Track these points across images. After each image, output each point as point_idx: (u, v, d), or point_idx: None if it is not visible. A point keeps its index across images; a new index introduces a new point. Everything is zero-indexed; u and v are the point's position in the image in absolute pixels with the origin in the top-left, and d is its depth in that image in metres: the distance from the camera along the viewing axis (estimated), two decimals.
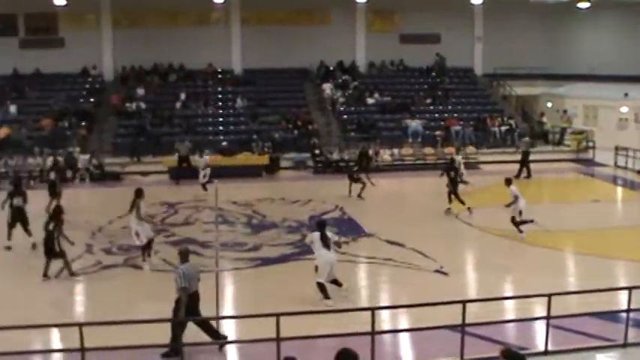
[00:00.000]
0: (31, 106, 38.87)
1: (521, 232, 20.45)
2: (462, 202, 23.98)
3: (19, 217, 20.08)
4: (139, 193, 18.45)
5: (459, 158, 27.90)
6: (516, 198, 20.44)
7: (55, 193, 23.99)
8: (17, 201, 20.08)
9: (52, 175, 26.29)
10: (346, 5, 42.77)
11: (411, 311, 13.93)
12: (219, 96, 41.02)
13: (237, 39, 42.78)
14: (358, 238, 21.05)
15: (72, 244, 17.88)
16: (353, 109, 39.82)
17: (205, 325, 12.54)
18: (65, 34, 41.81)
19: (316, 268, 15.29)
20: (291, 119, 38.03)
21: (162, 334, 12.02)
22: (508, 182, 20.99)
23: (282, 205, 26.04)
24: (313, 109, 40.33)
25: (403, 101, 40.19)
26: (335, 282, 15.23)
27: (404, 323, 13.92)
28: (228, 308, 15.30)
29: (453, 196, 24.07)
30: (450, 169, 24.99)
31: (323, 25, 43.09)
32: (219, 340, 12.55)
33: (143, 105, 38.91)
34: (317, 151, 34.54)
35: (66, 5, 39.26)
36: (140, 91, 40.06)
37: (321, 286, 15.04)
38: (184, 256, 12.79)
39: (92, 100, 39.68)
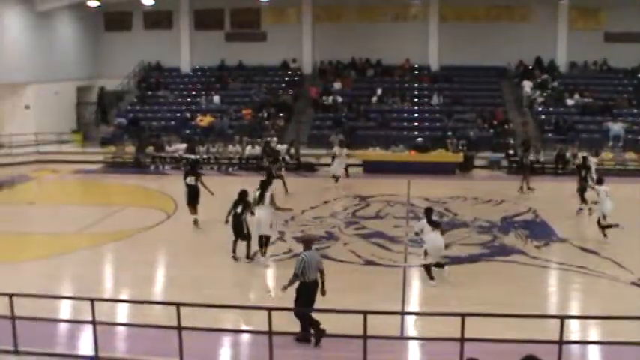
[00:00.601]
0: (234, 96, 40.85)
1: (605, 235, 20.02)
2: (584, 201, 23.79)
3: (191, 194, 21.75)
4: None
5: (593, 160, 26.52)
6: (602, 199, 20.13)
7: (271, 179, 25.63)
8: (190, 180, 21.73)
9: (266, 162, 27.71)
10: (547, 2, 41.55)
11: (602, 323, 13.37)
12: (415, 92, 41.19)
13: (434, 35, 42.75)
14: (550, 242, 20.40)
15: None
16: (551, 109, 38.70)
17: (309, 317, 12.55)
18: (267, 29, 43.61)
19: (425, 252, 16.58)
20: (487, 118, 37.53)
21: (332, 321, 12.46)
22: (599, 182, 20.82)
23: (474, 205, 25.71)
24: (510, 108, 39.57)
25: (605, 103, 38.60)
26: (438, 264, 16.19)
27: (594, 335, 13.37)
28: (413, 304, 15.42)
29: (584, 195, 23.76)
30: (582, 167, 24.48)
31: (522, 22, 42.13)
32: (320, 333, 12.52)
33: (340, 98, 39.73)
34: (511, 152, 33.83)
35: (269, 1, 40.78)
36: (337, 85, 40.95)
37: (427, 268, 16.17)
38: (307, 244, 13.03)
39: (290, 92, 41.03)
